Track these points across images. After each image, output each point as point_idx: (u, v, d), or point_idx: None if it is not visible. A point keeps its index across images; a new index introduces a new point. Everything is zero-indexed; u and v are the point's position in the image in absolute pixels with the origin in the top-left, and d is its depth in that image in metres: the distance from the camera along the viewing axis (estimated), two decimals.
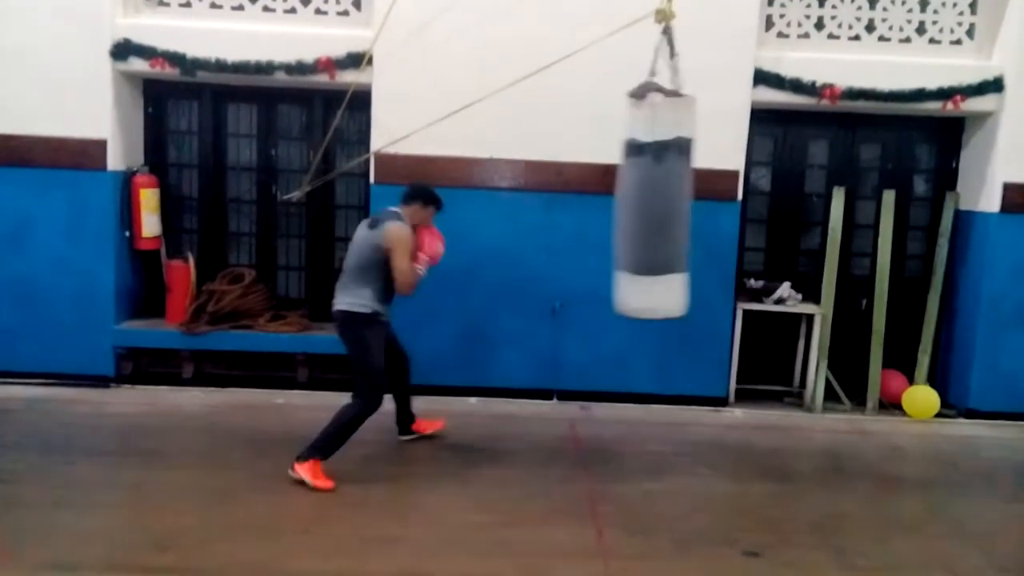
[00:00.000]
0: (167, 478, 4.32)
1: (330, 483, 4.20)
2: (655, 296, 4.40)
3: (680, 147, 4.26)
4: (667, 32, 4.46)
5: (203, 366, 6.03)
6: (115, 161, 5.84)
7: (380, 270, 4.38)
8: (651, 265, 4.33)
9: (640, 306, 4.46)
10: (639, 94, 4.34)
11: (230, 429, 5.11)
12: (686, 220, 4.38)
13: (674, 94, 4.32)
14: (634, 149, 4.29)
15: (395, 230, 4.37)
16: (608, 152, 5.70)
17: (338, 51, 5.69)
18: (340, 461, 4.58)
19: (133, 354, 5.99)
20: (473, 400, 5.89)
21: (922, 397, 6.05)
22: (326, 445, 4.29)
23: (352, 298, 4.40)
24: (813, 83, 5.81)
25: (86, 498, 4.05)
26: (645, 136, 4.24)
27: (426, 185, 4.82)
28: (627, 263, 4.40)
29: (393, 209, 4.56)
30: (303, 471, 4.22)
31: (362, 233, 4.51)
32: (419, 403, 5.65)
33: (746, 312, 6.02)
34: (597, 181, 5.76)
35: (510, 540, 3.80)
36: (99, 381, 5.86)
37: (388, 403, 4.67)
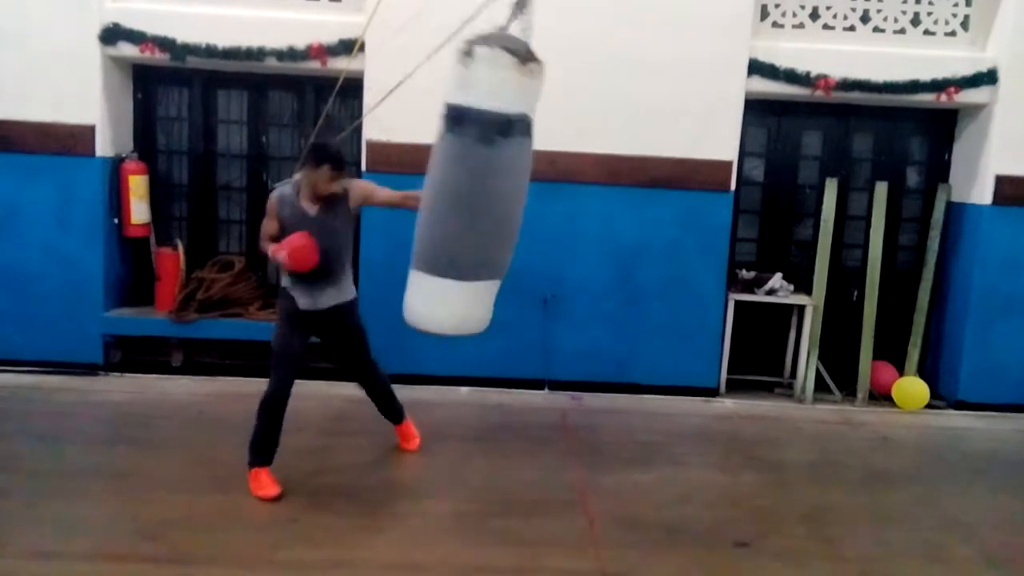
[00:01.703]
0: (156, 467, 4.30)
1: (274, 489, 3.94)
2: (445, 303, 3.51)
3: (526, 127, 3.39)
4: None
5: (193, 354, 6.01)
6: (104, 147, 5.78)
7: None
8: (448, 267, 3.42)
9: (422, 313, 3.57)
10: (485, 43, 3.28)
11: (220, 418, 5.07)
12: (519, 219, 3.58)
13: (532, 58, 3.32)
14: (465, 120, 3.28)
15: (269, 197, 4.05)
16: (603, 142, 5.74)
17: (330, 37, 5.64)
18: (330, 452, 4.59)
19: (122, 342, 5.95)
20: (464, 390, 5.88)
21: (912, 388, 6.07)
22: (255, 448, 3.98)
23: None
24: (807, 74, 5.79)
25: (73, 487, 4.02)
26: (483, 104, 3.25)
27: (321, 142, 4.13)
28: (419, 259, 3.50)
29: (295, 177, 4.07)
30: (249, 479, 3.98)
31: None
32: (412, 393, 5.64)
33: (738, 303, 6.02)
34: (591, 171, 5.76)
35: (501, 530, 3.79)
36: (88, 369, 5.82)
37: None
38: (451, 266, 3.41)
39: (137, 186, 5.91)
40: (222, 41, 5.63)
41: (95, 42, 5.63)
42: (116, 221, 5.90)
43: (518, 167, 3.43)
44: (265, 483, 3.97)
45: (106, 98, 5.78)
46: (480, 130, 3.25)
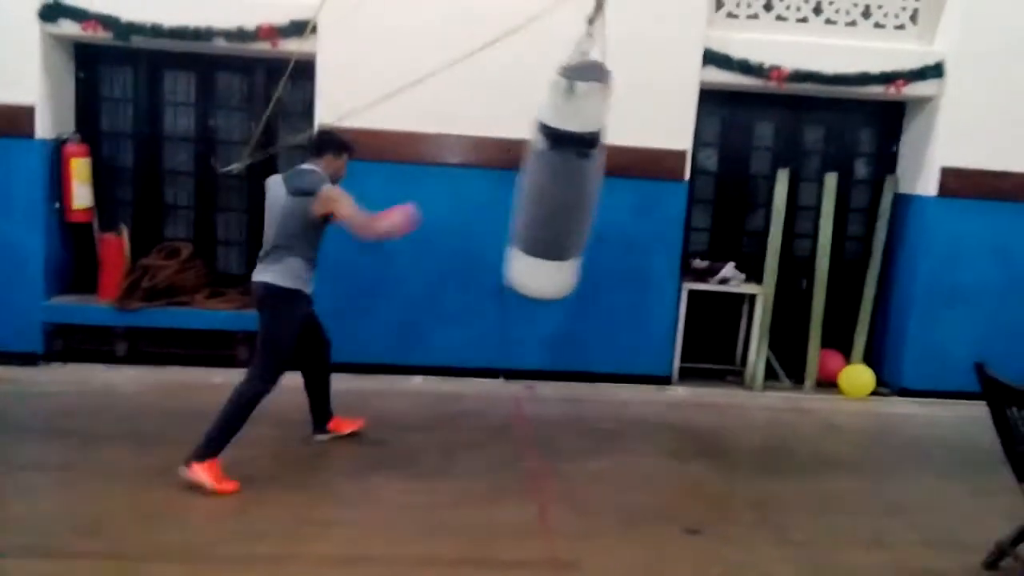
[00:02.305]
0: (97, 460, 4.17)
1: (233, 484, 3.86)
2: (549, 278, 4.33)
3: (600, 140, 4.10)
4: (598, 7, 4.29)
5: (138, 344, 5.84)
6: (44, 129, 5.58)
7: (307, 241, 4.06)
8: (551, 251, 4.21)
9: (533, 287, 4.38)
10: (582, 77, 3.96)
11: (165, 409, 4.96)
12: (593, 211, 4.28)
13: (607, 77, 4.08)
14: (555, 138, 3.99)
15: (328, 191, 4.01)
16: None
17: (281, 18, 5.50)
18: (279, 442, 4.52)
19: (63, 331, 5.76)
20: (418, 379, 5.84)
21: (858, 376, 6.20)
22: (217, 438, 3.88)
23: (274, 270, 4.03)
24: (761, 65, 5.83)
25: (10, 481, 3.89)
26: (570, 126, 3.96)
27: (332, 130, 4.43)
28: (526, 244, 4.26)
29: (306, 167, 4.15)
30: (201, 474, 3.82)
31: (282, 201, 4.04)
32: (364, 383, 5.61)
33: (691, 292, 6.07)
34: None
35: (453, 521, 3.77)
36: (27, 359, 5.63)
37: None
38: (554, 251, 4.20)
39: (79, 169, 5.72)
40: (168, 20, 5.45)
41: (34, 19, 5.41)
42: (57, 206, 5.70)
43: (599, 168, 4.16)
44: (224, 477, 3.88)
45: (46, 77, 5.57)
46: (578, 148, 3.97)
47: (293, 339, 4.10)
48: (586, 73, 3.96)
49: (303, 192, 4.01)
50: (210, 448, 3.89)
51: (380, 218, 4.05)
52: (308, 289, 4.16)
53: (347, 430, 4.66)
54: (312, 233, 4.09)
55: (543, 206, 4.13)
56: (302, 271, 4.08)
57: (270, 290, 4.04)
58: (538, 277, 4.32)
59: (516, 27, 4.98)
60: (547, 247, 4.19)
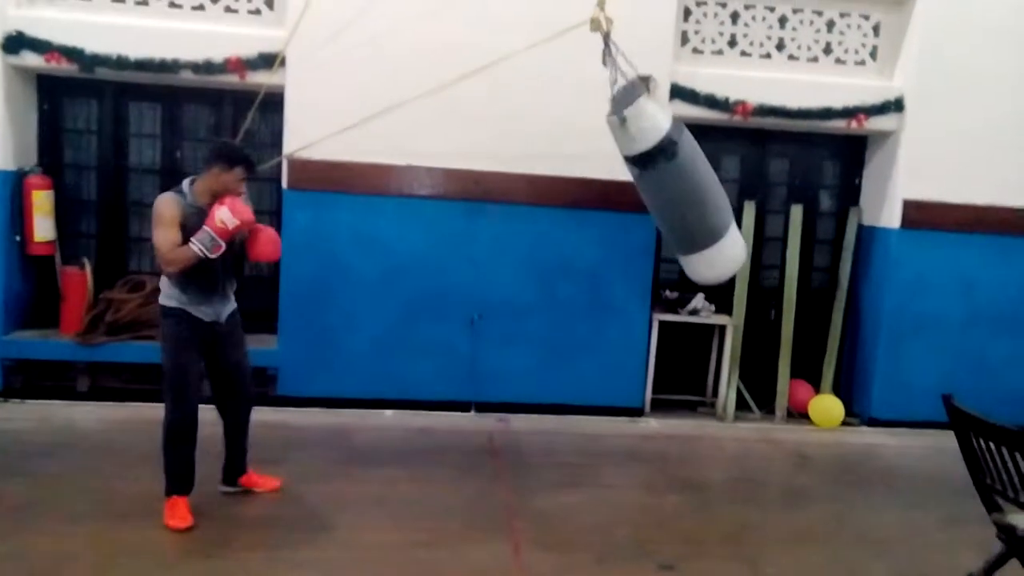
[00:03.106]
0: (56, 499, 4.04)
1: (184, 522, 3.75)
2: (724, 259, 4.81)
3: (679, 128, 4.50)
4: (607, 40, 4.57)
5: (100, 379, 5.71)
6: (5, 160, 5.48)
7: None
8: (708, 239, 4.67)
9: (717, 273, 4.90)
10: (623, 105, 4.43)
11: (128, 446, 4.82)
12: (714, 182, 4.69)
13: (648, 83, 4.52)
14: (640, 162, 4.48)
15: (156, 203, 3.75)
16: (528, 162, 5.75)
17: (249, 51, 5.48)
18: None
19: (23, 366, 5.61)
20: (388, 413, 5.76)
21: (827, 406, 6.25)
22: (171, 477, 3.82)
23: (160, 289, 3.87)
24: (726, 99, 5.93)
25: None
26: (644, 147, 4.41)
27: (231, 143, 4.18)
28: (687, 248, 4.79)
29: (187, 179, 3.89)
30: (165, 508, 3.81)
31: None
32: (334, 417, 5.54)
33: (662, 323, 6.09)
34: (517, 191, 5.75)
35: (427, 560, 3.70)
36: None
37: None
38: (709, 238, 4.68)
39: (41, 202, 5.61)
40: (134, 52, 5.41)
41: None
42: (18, 238, 5.58)
43: (694, 157, 4.56)
44: (180, 514, 3.79)
45: (8, 109, 5.48)
46: (663, 156, 4.40)
47: (179, 359, 3.79)
48: (625, 99, 4.47)
49: None
50: (168, 485, 3.84)
51: (186, 249, 3.66)
52: (196, 311, 3.82)
53: (262, 488, 4.26)
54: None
55: (676, 213, 4.66)
56: (174, 291, 3.81)
57: (160, 310, 3.89)
58: (716, 265, 4.81)
59: (487, 62, 5.02)
60: (704, 238, 4.66)
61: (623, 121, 4.36)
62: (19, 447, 4.81)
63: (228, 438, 4.19)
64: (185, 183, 3.86)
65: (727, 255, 4.81)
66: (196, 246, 3.65)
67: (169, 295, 3.83)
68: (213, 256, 3.69)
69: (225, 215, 3.67)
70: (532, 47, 5.57)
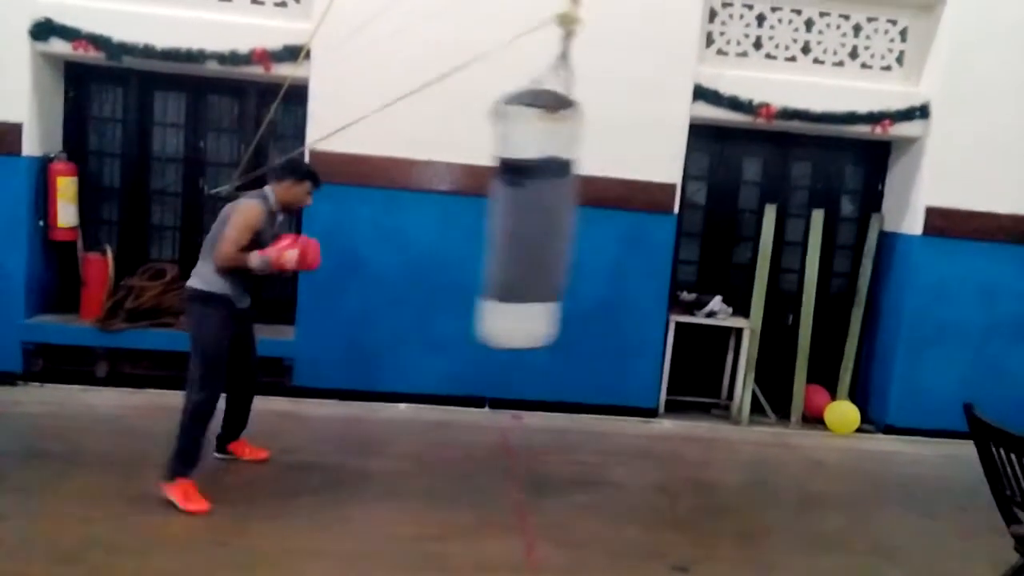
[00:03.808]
0: (76, 484, 4.08)
1: (203, 505, 3.85)
2: (519, 324, 4.04)
3: (557, 168, 3.87)
4: (567, 38, 4.09)
5: (119, 365, 5.76)
6: (31, 146, 5.53)
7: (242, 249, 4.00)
8: (508, 292, 3.96)
9: (502, 335, 4.09)
10: (516, 102, 3.82)
11: (146, 432, 4.85)
12: (557, 249, 4.03)
13: (562, 106, 3.88)
14: (501, 168, 3.89)
15: (244, 204, 4.03)
16: None
17: (274, 43, 5.50)
18: (262, 468, 4.44)
19: (44, 351, 5.67)
20: (403, 407, 5.78)
21: (843, 412, 6.21)
22: (182, 456, 3.90)
23: (198, 275, 4.05)
24: (750, 101, 5.90)
25: None
26: (510, 154, 3.84)
27: (300, 159, 4.58)
28: (495, 290, 4.02)
29: (264, 188, 4.19)
30: (171, 493, 3.86)
31: (225, 209, 4.13)
32: (349, 409, 5.56)
33: (678, 324, 6.07)
34: None
35: (439, 554, 3.71)
36: (6, 378, 5.53)
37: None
38: (503, 291, 3.97)
39: (65, 188, 5.66)
40: (161, 41, 5.44)
41: (25, 37, 5.39)
42: (42, 224, 5.64)
43: (549, 204, 3.89)
44: (194, 496, 3.86)
45: (35, 96, 5.53)
46: (509, 175, 3.82)
47: (221, 343, 4.00)
48: (527, 99, 3.82)
49: (238, 200, 4.13)
50: (173, 468, 3.90)
51: (245, 256, 3.96)
52: (235, 299, 4.06)
53: (249, 456, 4.51)
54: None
55: (496, 242, 3.99)
56: (222, 279, 4.01)
57: (189, 294, 4.08)
58: (501, 323, 4.04)
59: (510, 58, 5.02)
60: (503, 288, 3.96)
61: (500, 114, 3.85)
62: (38, 431, 4.87)
63: (231, 413, 4.44)
64: (267, 190, 4.16)
65: (523, 325, 4.03)
66: (256, 262, 3.96)
67: (213, 282, 4.01)
68: (258, 274, 4.06)
69: (291, 259, 4.01)
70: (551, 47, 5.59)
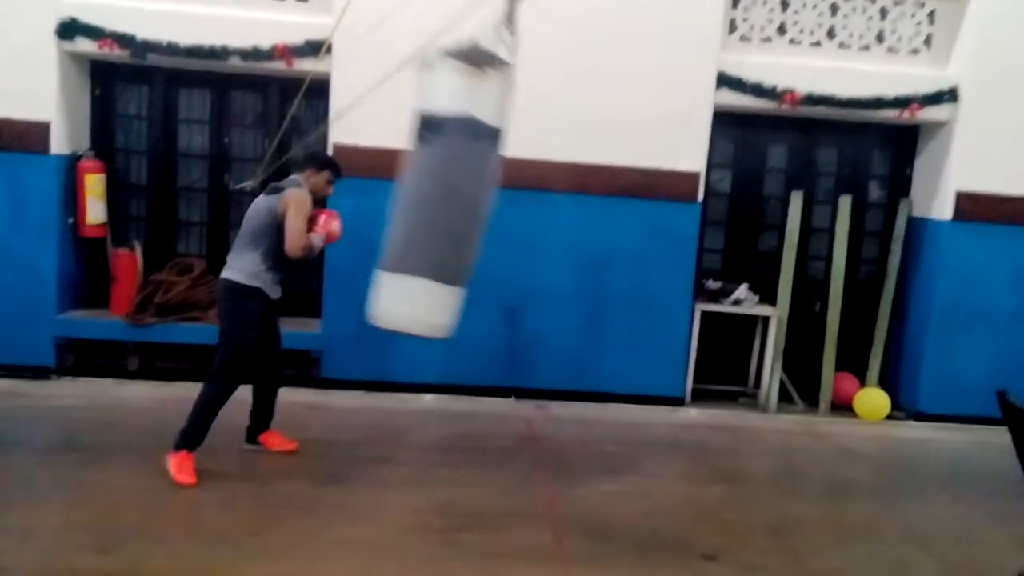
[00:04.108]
0: (109, 476, 4.14)
1: (192, 479, 4.01)
2: (411, 303, 3.67)
3: (485, 134, 3.65)
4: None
5: (149, 359, 5.84)
6: (59, 144, 5.61)
7: (269, 239, 4.12)
8: (414, 263, 3.63)
9: (390, 312, 3.73)
10: (469, 59, 3.59)
11: (176, 425, 4.86)
12: (474, 226, 3.76)
13: (490, 64, 3.65)
14: (426, 123, 3.61)
15: (293, 192, 4.15)
16: (573, 151, 5.72)
17: (296, 38, 5.53)
18: (290, 459, 4.48)
19: (75, 345, 5.76)
20: (429, 397, 5.81)
21: (873, 399, 6.15)
22: (190, 433, 4.08)
23: (234, 267, 4.16)
24: (774, 88, 5.84)
25: (22, 497, 3.86)
26: (423, 106, 3.60)
27: (320, 151, 4.68)
28: (397, 261, 3.69)
29: (293, 177, 4.32)
30: (170, 460, 4.05)
31: (259, 202, 4.23)
32: (376, 400, 5.60)
33: (704, 313, 6.04)
34: (559, 179, 5.73)
35: (467, 543, 3.72)
36: (39, 373, 5.63)
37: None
38: (395, 259, 3.67)
39: (94, 185, 5.74)
40: (184, 39, 5.49)
41: (51, 37, 5.46)
42: (71, 221, 5.72)
43: (458, 169, 3.61)
44: (189, 469, 4.03)
45: (62, 94, 5.60)
46: (421, 130, 3.61)
47: (251, 336, 4.15)
48: (460, 54, 3.61)
49: (276, 190, 4.21)
50: (179, 441, 4.07)
51: (309, 240, 4.16)
52: (269, 291, 4.20)
53: (278, 448, 4.56)
54: (273, 232, 4.13)
55: (397, 205, 3.76)
56: (259, 270, 4.15)
57: (225, 285, 4.17)
58: (390, 297, 3.69)
59: (532, 53, 5.00)
60: (396, 256, 3.67)
61: (428, 64, 3.64)
62: (71, 424, 4.94)
63: (258, 404, 4.52)
64: (299, 179, 4.29)
65: (426, 306, 3.71)
66: (317, 241, 4.20)
67: (251, 274, 4.12)
68: (296, 261, 4.18)
69: (336, 227, 4.31)
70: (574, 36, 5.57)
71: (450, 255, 3.70)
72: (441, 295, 3.71)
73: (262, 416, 4.55)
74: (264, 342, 4.29)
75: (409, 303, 3.69)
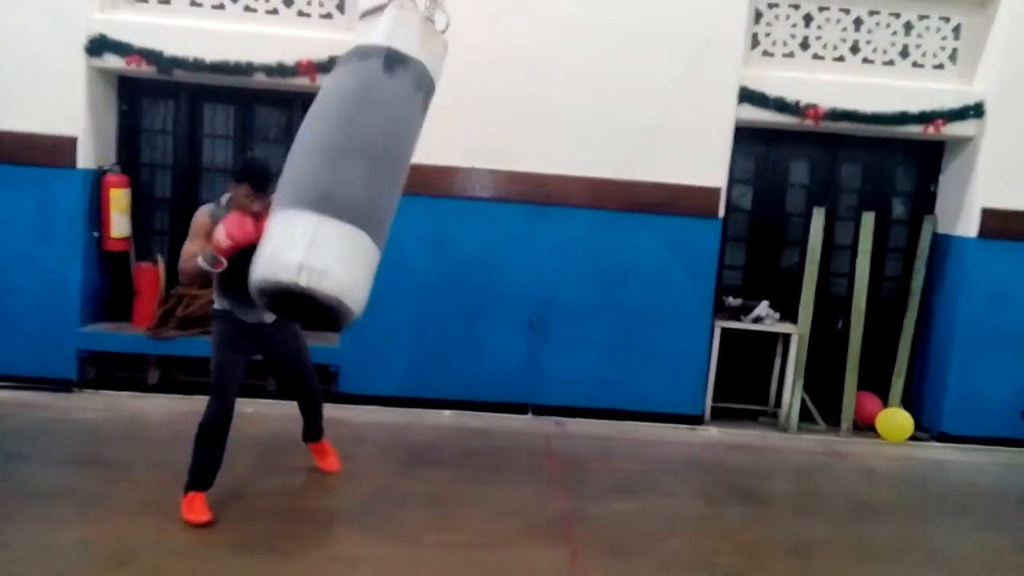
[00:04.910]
0: (128, 489, 4.18)
1: (205, 516, 3.80)
2: (322, 250, 3.05)
3: (417, 72, 3.50)
4: None
5: (170, 372, 5.88)
6: (86, 159, 5.68)
7: None
8: (330, 197, 3.09)
9: (288, 260, 3.06)
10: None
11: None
12: (396, 166, 3.48)
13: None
14: (359, 54, 3.47)
15: (196, 214, 3.85)
16: (593, 166, 5.72)
17: (320, 54, 5.58)
18: (309, 475, 4.49)
19: (97, 358, 5.82)
20: (447, 413, 5.80)
21: (896, 420, 6.05)
22: (195, 472, 3.86)
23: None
24: (797, 103, 5.80)
25: (42, 508, 3.89)
26: (378, 40, 3.45)
27: (249, 159, 4.22)
28: (294, 191, 3.23)
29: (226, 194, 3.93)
30: (182, 503, 3.85)
31: None
32: (393, 415, 5.60)
33: (724, 330, 5.99)
34: (579, 194, 5.73)
35: (483, 562, 3.71)
36: (61, 385, 5.68)
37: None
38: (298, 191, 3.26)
39: (118, 199, 5.81)
40: (210, 55, 5.56)
41: (81, 53, 5.55)
42: (96, 234, 5.79)
43: (412, 103, 3.49)
44: (198, 509, 3.84)
45: (90, 110, 5.69)
46: (382, 58, 3.43)
47: (224, 361, 3.88)
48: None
49: None
50: (189, 481, 3.88)
51: (194, 264, 3.67)
52: (241, 313, 3.88)
53: (319, 463, 4.53)
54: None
55: (323, 128, 3.40)
56: (219, 292, 3.91)
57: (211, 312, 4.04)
58: (298, 244, 3.05)
59: (555, 66, 5.02)
60: (320, 189, 3.16)
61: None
62: (91, 437, 4.99)
63: (302, 413, 4.46)
64: (224, 196, 3.90)
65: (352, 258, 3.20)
66: (200, 261, 3.64)
67: (216, 298, 3.97)
68: (216, 271, 3.65)
69: (219, 234, 3.58)
70: (595, 50, 5.58)
71: (377, 200, 3.33)
72: (370, 255, 3.27)
73: (308, 424, 4.49)
74: (275, 366, 4.24)
75: (345, 258, 3.11)
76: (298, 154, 3.33)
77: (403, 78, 3.45)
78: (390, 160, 3.41)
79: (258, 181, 3.69)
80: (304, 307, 3.17)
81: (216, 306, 3.97)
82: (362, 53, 3.48)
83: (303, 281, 3.03)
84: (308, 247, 3.03)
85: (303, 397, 4.39)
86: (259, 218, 3.63)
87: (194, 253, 3.71)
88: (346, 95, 3.38)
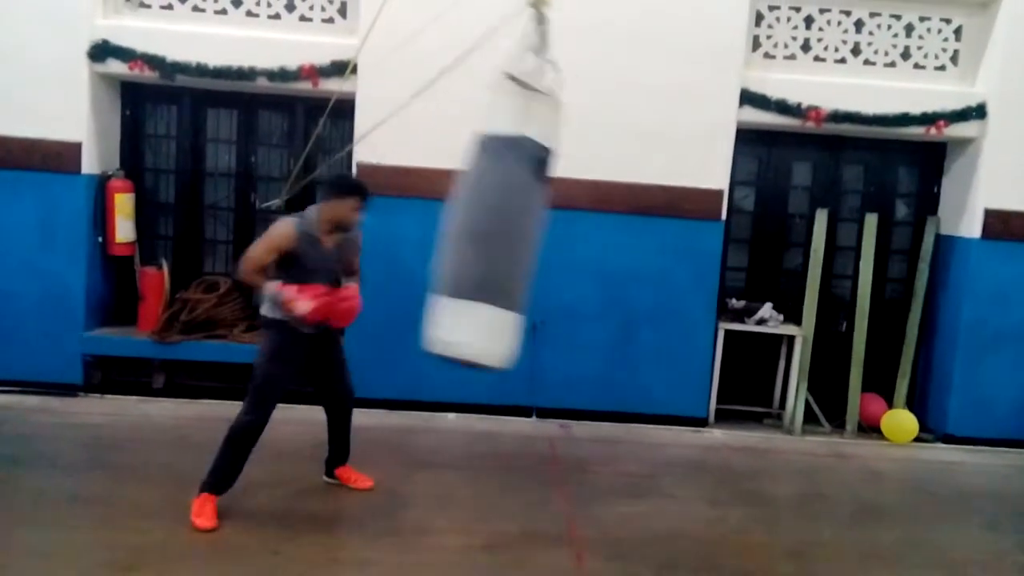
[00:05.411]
0: (134, 493, 4.18)
1: (212, 523, 3.77)
2: (471, 329, 3.55)
3: (545, 155, 3.64)
4: (540, 22, 3.79)
5: (175, 376, 5.90)
6: (90, 164, 5.71)
7: (280, 271, 3.90)
8: (478, 286, 3.50)
9: (452, 339, 3.61)
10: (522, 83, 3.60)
11: (201, 443, 4.90)
12: (530, 247, 3.69)
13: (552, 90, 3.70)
14: (495, 145, 3.57)
15: (275, 224, 3.94)
16: (596, 169, 5.72)
17: (322, 59, 5.60)
18: (310, 480, 4.49)
19: (102, 363, 5.84)
20: (451, 416, 5.80)
21: (900, 421, 6.05)
22: (217, 475, 3.86)
23: (265, 301, 3.99)
24: (798, 105, 5.81)
25: (48, 513, 3.91)
26: (510, 130, 3.54)
27: (347, 175, 4.40)
28: (448, 283, 3.61)
29: (311, 207, 4.07)
30: (193, 502, 3.83)
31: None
32: (398, 419, 5.60)
33: (728, 332, 5.99)
34: (581, 196, 5.73)
35: (490, 565, 3.71)
36: (66, 390, 5.70)
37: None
38: (453, 282, 3.60)
39: (123, 204, 5.83)
40: (213, 60, 5.58)
41: (84, 59, 5.57)
42: (100, 239, 5.81)
43: (509, 191, 3.57)
44: (209, 513, 3.83)
45: (93, 115, 5.71)
46: (475, 150, 3.65)
47: (273, 370, 3.92)
48: (512, 76, 3.65)
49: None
50: (208, 481, 3.87)
51: (262, 280, 3.88)
52: (295, 324, 3.90)
53: (354, 484, 4.43)
54: (290, 268, 3.90)
55: (469, 224, 3.57)
56: (274, 305, 3.94)
57: (261, 317, 4.05)
58: (449, 323, 3.57)
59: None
60: (469, 280, 3.52)
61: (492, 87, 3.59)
62: (98, 441, 5.00)
63: (331, 433, 4.39)
64: (311, 210, 4.02)
65: (492, 334, 3.64)
66: (268, 292, 3.86)
67: (269, 307, 3.95)
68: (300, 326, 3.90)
69: (301, 308, 3.81)
70: (596, 52, 5.59)
71: (506, 279, 3.62)
72: (503, 321, 3.63)
73: (337, 450, 4.41)
74: (319, 377, 4.21)
75: (472, 330, 3.60)
76: (453, 248, 3.63)
77: (540, 169, 3.64)
78: (523, 240, 3.70)
79: (365, 195, 4.03)
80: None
81: (273, 315, 3.94)
82: (516, 147, 3.54)
83: (451, 353, 3.73)
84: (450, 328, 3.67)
85: (343, 410, 4.35)
86: (347, 231, 4.06)
87: (264, 265, 3.87)
88: (499, 207, 3.57)
